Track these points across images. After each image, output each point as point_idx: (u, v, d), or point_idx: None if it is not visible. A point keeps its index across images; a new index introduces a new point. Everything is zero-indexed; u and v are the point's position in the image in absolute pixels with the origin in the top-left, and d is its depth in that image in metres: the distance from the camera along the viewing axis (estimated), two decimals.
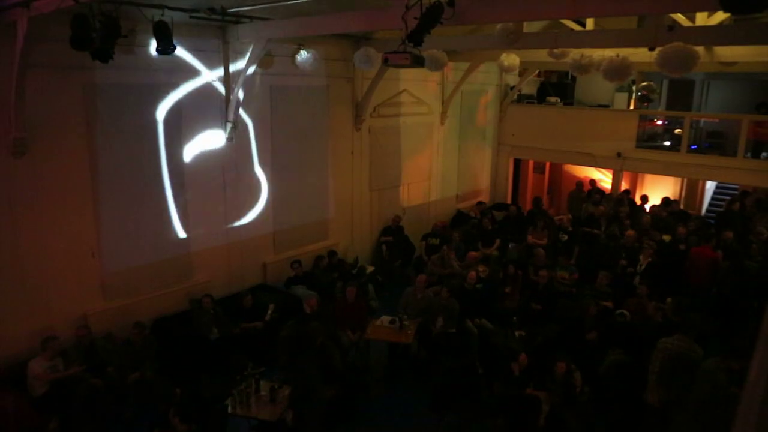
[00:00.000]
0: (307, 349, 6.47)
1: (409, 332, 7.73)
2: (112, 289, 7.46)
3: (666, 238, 10.31)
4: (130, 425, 6.46)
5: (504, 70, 10.18)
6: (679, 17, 7.99)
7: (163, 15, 6.00)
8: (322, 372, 6.40)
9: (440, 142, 13.11)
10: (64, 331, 6.75)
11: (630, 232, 9.93)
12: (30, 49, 5.75)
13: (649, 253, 9.07)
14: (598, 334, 7.30)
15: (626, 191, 13.56)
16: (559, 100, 14.71)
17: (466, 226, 12.53)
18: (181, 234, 8.18)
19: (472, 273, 8.72)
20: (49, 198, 6.70)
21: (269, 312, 8.02)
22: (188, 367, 6.92)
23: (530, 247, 10.64)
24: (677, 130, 13.34)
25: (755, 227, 10.38)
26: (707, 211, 15.90)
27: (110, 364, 6.69)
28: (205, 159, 8.30)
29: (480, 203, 13.96)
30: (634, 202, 13.08)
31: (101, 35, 5.24)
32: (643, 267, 9.03)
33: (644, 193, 14.04)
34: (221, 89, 8.32)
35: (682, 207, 13.62)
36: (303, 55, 8.61)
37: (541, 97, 15.26)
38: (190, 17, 7.03)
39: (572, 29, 9.18)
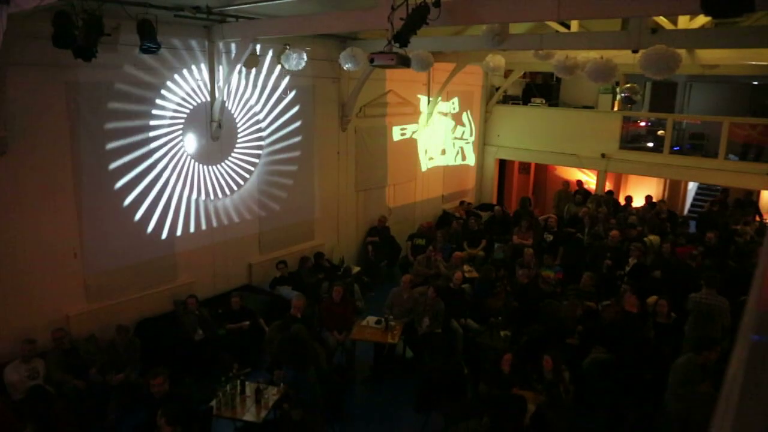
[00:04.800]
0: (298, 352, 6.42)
1: (395, 332, 7.74)
2: (95, 291, 7.36)
3: (653, 238, 10.40)
4: (113, 428, 6.39)
5: (489, 71, 10.22)
6: (662, 20, 8.10)
7: (147, 13, 5.95)
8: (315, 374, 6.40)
9: (426, 142, 13.14)
10: (45, 333, 6.63)
11: (614, 233, 10.02)
12: (10, 47, 5.66)
13: (637, 254, 9.17)
14: (582, 335, 7.36)
15: (610, 192, 13.70)
16: (544, 102, 14.82)
17: (450, 227, 12.57)
18: (166, 234, 8.10)
19: (458, 273, 8.75)
20: (30, 197, 6.60)
21: (262, 323, 8.02)
22: (173, 369, 6.85)
23: (516, 247, 10.70)
24: (660, 132, 13.51)
25: (735, 227, 10.58)
26: (689, 211, 16.13)
27: (93, 366, 6.62)
28: (189, 158, 8.24)
29: (463, 203, 14.01)
30: (618, 203, 13.22)
31: (84, 33, 5.19)
32: (629, 268, 9.12)
33: (628, 193, 14.19)
34: (206, 88, 8.27)
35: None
36: (290, 56, 8.61)
37: (526, 98, 15.36)
38: (175, 16, 6.97)
39: (557, 31, 9.26)
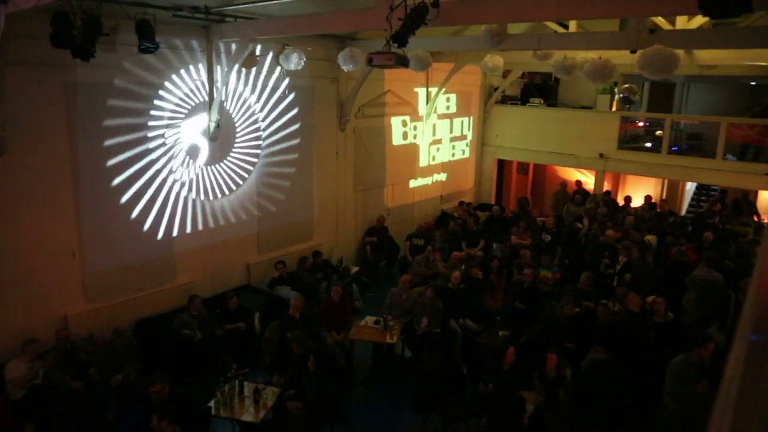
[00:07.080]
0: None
1: (394, 332, 7.74)
2: (93, 291, 7.35)
3: (650, 238, 10.41)
4: (112, 428, 6.38)
5: (488, 71, 10.24)
6: (660, 21, 8.11)
7: (145, 13, 5.94)
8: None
9: (424, 142, 13.14)
10: (44, 333, 6.62)
11: (610, 232, 10.03)
12: (9, 46, 5.65)
13: (626, 253, 9.18)
14: (578, 336, 7.35)
15: (607, 192, 13.70)
16: (542, 102, 14.82)
17: (448, 227, 12.56)
18: (164, 235, 8.09)
19: (456, 273, 8.75)
20: (29, 197, 6.59)
21: (256, 321, 7.98)
22: (171, 369, 6.84)
23: (514, 247, 10.70)
24: (658, 132, 13.52)
25: (732, 227, 10.58)
26: (687, 211, 16.14)
27: (92, 366, 6.61)
28: (187, 158, 8.23)
29: (462, 203, 14.01)
30: (616, 203, 13.22)
31: (82, 33, 5.18)
32: (620, 266, 9.14)
33: (627, 194, 14.20)
34: (205, 88, 8.26)
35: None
36: (289, 56, 8.61)
37: (524, 98, 15.36)
38: (174, 15, 6.97)
39: (556, 31, 9.27)
